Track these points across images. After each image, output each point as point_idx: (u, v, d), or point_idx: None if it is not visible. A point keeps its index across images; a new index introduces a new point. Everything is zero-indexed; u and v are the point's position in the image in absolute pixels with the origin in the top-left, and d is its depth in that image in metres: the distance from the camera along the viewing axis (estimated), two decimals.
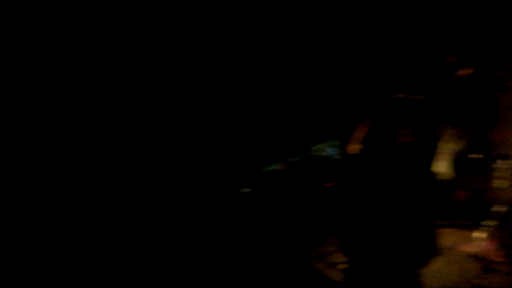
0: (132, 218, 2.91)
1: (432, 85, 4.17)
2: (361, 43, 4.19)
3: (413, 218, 1.85)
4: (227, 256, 2.80)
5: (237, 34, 3.73)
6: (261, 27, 3.82)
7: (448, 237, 3.76)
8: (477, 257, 3.47)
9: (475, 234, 3.65)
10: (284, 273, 3.06)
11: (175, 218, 3.10)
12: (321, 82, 4.30)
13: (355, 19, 4.10)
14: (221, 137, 3.59)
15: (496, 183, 3.82)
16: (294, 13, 3.99)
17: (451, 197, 4.17)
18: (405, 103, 3.80)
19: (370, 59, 4.28)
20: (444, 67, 4.14)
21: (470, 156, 4.05)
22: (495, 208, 3.59)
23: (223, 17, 3.64)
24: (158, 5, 3.41)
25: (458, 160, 4.16)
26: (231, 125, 3.73)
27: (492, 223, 3.57)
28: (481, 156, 4.01)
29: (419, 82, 4.24)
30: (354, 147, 1.87)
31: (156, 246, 2.80)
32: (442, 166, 4.14)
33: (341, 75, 4.31)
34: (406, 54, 4.33)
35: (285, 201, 3.52)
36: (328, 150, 3.77)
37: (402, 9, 4.08)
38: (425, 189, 1.90)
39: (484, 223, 3.74)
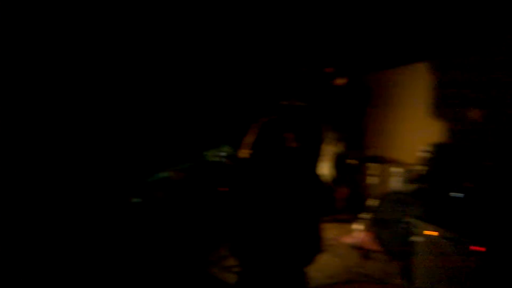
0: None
1: (313, 93, 4.40)
2: (249, 54, 4.34)
3: (299, 218, 1.87)
4: (115, 265, 2.72)
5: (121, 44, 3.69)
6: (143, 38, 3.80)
7: (331, 231, 4.06)
8: (356, 247, 3.71)
9: (354, 227, 3.90)
10: (180, 278, 3.05)
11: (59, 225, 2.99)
12: (211, 88, 4.36)
13: (246, 31, 4.24)
14: (109, 145, 3.46)
15: (369, 181, 4.14)
16: (183, 23, 4.04)
17: (333, 195, 4.40)
18: (290, 109, 4.19)
19: (259, 70, 4.46)
20: (323, 77, 4.41)
21: (348, 158, 4.35)
22: (369, 202, 3.79)
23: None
24: None
25: (338, 162, 4.44)
26: (120, 133, 3.60)
27: (367, 215, 3.79)
28: (357, 157, 4.32)
29: (302, 90, 4.47)
30: (243, 152, 1.87)
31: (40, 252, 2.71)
32: (325, 168, 4.30)
33: (232, 83, 4.43)
34: (289, 65, 4.56)
35: (177, 208, 3.43)
36: (220, 155, 3.79)
37: (287, 24, 4.29)
38: (310, 190, 1.91)
39: (361, 216, 4.01)
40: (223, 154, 3.73)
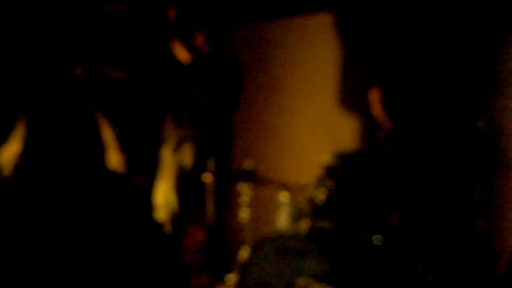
0: None
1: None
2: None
3: None
4: None
5: None
6: None
7: None
8: None
9: None
10: None
11: None
12: None
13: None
14: None
15: (239, 216, 3.32)
16: None
17: (181, 242, 3.52)
18: (90, 81, 3.60)
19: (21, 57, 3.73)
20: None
21: (202, 176, 3.37)
22: (240, 253, 3.08)
23: None
24: None
25: (186, 183, 3.44)
26: None
27: (233, 277, 3.06)
28: (218, 175, 3.39)
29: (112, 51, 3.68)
30: (7, 153, 1.46)
31: None
32: (161, 192, 3.42)
33: None
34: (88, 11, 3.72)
35: None
36: None
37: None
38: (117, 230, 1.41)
39: (224, 278, 3.24)
40: None
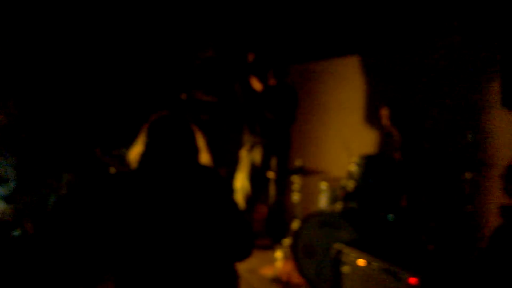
0: None
1: (224, 89, 4.24)
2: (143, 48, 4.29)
3: (211, 246, 1.68)
4: None
5: None
6: None
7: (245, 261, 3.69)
8: (275, 280, 3.40)
9: (274, 255, 3.52)
10: None
11: None
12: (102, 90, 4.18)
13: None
14: None
15: (292, 199, 3.80)
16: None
17: (252, 215, 4.12)
18: (191, 103, 4.10)
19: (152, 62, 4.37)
20: (238, 69, 4.17)
21: (267, 169, 3.97)
22: (292, 225, 3.53)
23: None
24: None
25: (256, 174, 4.08)
26: None
27: (288, 241, 3.54)
28: (278, 169, 3.97)
29: (209, 84, 4.32)
30: (134, 152, 1.79)
31: None
32: (239, 181, 4.08)
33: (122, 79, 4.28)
34: (193, 51, 4.43)
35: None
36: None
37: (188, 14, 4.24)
38: (221, 203, 1.75)
39: (282, 242, 3.70)
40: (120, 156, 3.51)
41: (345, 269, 2.63)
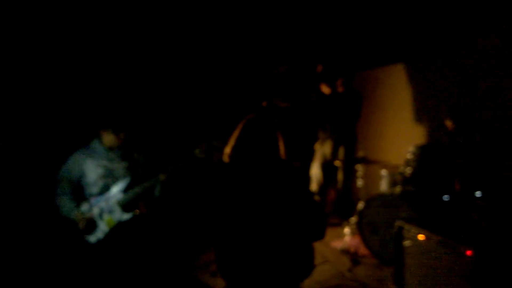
0: None
1: (301, 95, 4.39)
2: (237, 54, 4.41)
3: (291, 227, 1.77)
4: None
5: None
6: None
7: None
8: (345, 252, 3.61)
9: (343, 231, 3.78)
10: (167, 283, 2.98)
11: None
12: (198, 89, 4.33)
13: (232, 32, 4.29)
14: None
15: (357, 183, 3.99)
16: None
17: (324, 198, 4.34)
18: (274, 109, 4.14)
19: (247, 70, 4.48)
20: (310, 77, 4.35)
21: (335, 159, 4.23)
22: (357, 205, 3.69)
23: None
24: None
25: (326, 163, 4.33)
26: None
27: (355, 219, 3.70)
28: (345, 159, 4.20)
29: (288, 91, 4.43)
30: (228, 149, 1.88)
31: None
32: (313, 169, 4.38)
33: (217, 84, 4.42)
34: (272, 66, 4.53)
35: (167, 210, 3.36)
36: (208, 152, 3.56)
37: (272, 24, 4.30)
38: (301, 193, 1.85)
39: (349, 220, 3.96)
40: (211, 150, 3.51)
41: (407, 243, 2.67)
